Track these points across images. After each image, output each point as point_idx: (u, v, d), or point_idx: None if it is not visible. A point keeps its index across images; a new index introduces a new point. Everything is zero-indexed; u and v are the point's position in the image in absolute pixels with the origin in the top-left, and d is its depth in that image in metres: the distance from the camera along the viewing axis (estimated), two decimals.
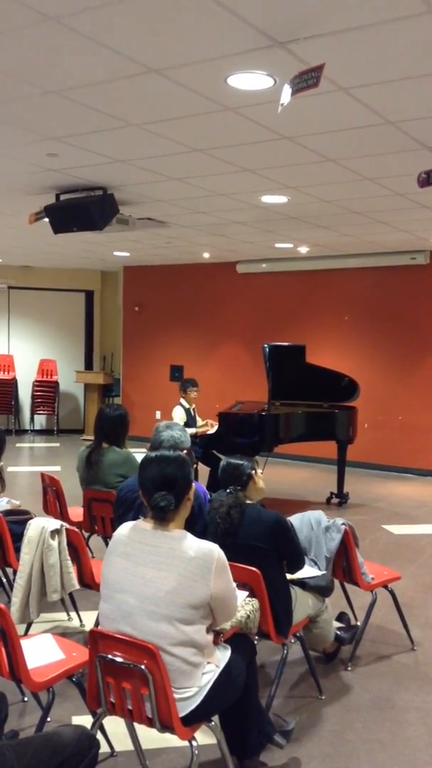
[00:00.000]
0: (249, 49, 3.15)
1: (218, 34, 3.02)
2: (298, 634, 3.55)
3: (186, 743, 2.51)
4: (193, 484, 2.68)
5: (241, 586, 3.09)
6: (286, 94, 3.11)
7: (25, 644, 2.83)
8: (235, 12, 2.81)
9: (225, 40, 3.08)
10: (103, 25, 2.96)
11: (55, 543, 3.60)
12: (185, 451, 3.01)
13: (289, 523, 3.49)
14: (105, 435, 4.72)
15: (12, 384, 12.80)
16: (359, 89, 3.63)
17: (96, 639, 2.51)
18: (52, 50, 3.24)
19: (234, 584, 2.61)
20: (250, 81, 3.53)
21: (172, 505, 2.50)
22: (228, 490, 3.41)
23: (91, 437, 4.99)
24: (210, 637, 2.55)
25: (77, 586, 3.73)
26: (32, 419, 12.99)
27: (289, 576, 3.47)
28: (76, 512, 4.98)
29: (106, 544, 2.68)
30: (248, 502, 3.40)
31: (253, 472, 3.47)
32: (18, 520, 4.25)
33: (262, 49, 3.15)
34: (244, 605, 2.97)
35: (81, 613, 4.43)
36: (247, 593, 3.12)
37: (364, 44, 3.09)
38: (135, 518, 2.76)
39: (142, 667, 2.38)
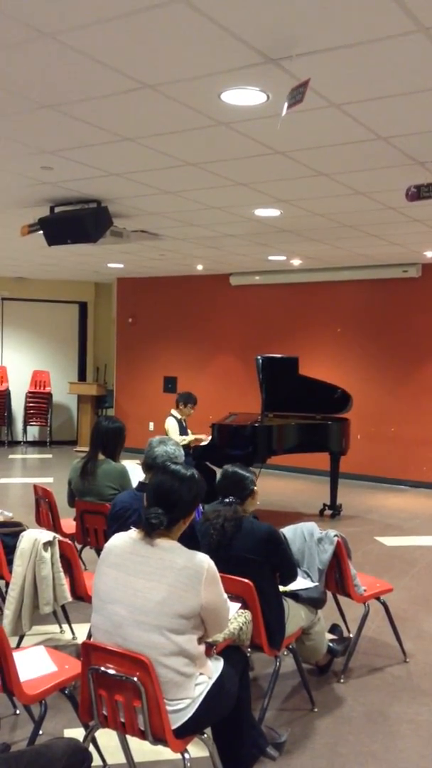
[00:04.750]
0: (242, 65, 3.20)
1: (212, 51, 3.06)
2: (290, 647, 3.55)
3: (178, 756, 2.51)
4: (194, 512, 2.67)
5: (234, 597, 3.09)
6: (284, 108, 3.16)
7: (18, 657, 2.83)
8: (229, 29, 2.85)
9: (219, 57, 3.12)
10: (98, 42, 3.00)
11: (47, 555, 3.59)
12: None
13: (282, 535, 3.50)
14: (101, 446, 4.73)
15: (5, 395, 12.77)
16: (351, 105, 3.67)
17: (88, 651, 2.51)
18: (48, 66, 3.27)
19: (225, 595, 2.62)
20: (244, 97, 3.57)
21: (162, 526, 2.51)
22: (227, 500, 3.41)
23: (84, 449, 5.00)
24: (202, 648, 2.55)
25: (70, 599, 3.72)
26: (25, 430, 12.95)
27: (281, 588, 3.48)
28: (69, 524, 4.97)
29: (99, 556, 2.69)
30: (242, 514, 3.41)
31: (255, 487, 3.48)
32: (10, 532, 4.24)
33: (255, 65, 3.19)
34: (237, 617, 2.98)
35: (73, 625, 4.42)
36: (239, 605, 3.12)
37: (355, 61, 3.13)
38: None
39: (135, 679, 2.38)
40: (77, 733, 3.03)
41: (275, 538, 3.34)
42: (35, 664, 2.95)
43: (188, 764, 2.49)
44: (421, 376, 9.76)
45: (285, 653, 3.59)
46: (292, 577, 3.49)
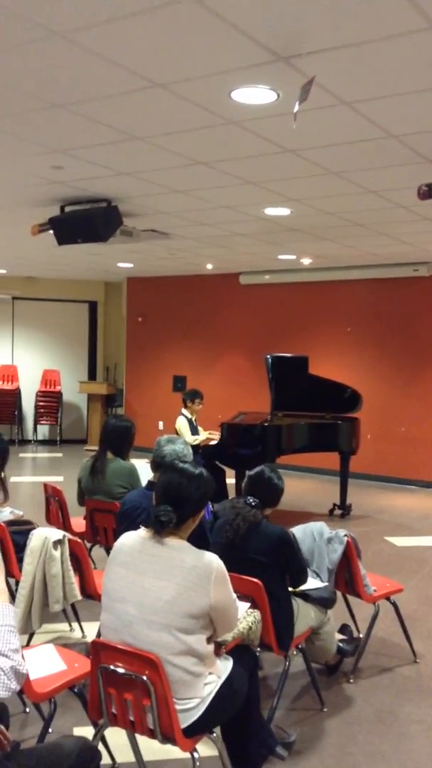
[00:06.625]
0: (253, 63, 3.19)
1: (222, 49, 3.05)
2: (300, 646, 3.54)
3: (187, 755, 2.51)
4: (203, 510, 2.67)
5: (243, 597, 3.09)
6: (296, 106, 3.15)
7: (27, 655, 2.84)
8: (239, 27, 2.84)
9: (229, 55, 3.11)
10: (109, 41, 3.00)
11: (57, 553, 3.60)
12: None
13: (292, 536, 3.49)
14: (110, 445, 4.74)
15: (15, 394, 12.82)
16: (362, 103, 3.66)
17: (98, 649, 2.52)
18: (58, 65, 3.27)
19: (234, 595, 2.61)
20: (254, 95, 3.56)
21: (171, 523, 2.51)
22: (250, 501, 3.39)
23: (94, 448, 5.01)
24: (211, 647, 2.55)
25: (79, 597, 3.73)
26: (35, 429, 13.00)
27: (291, 588, 3.47)
28: (79, 522, 4.98)
29: (108, 554, 2.69)
30: None
31: None
32: (21, 530, 4.25)
33: (265, 63, 3.18)
34: (246, 617, 2.97)
35: (83, 623, 4.43)
36: (248, 604, 3.12)
37: (366, 59, 3.12)
38: None
39: (144, 677, 2.38)
40: (86, 731, 3.04)
41: (286, 542, 3.33)
42: (45, 663, 2.95)
43: (197, 763, 2.49)
44: (431, 376, 9.72)
45: (294, 653, 3.58)
46: (303, 580, 3.48)
